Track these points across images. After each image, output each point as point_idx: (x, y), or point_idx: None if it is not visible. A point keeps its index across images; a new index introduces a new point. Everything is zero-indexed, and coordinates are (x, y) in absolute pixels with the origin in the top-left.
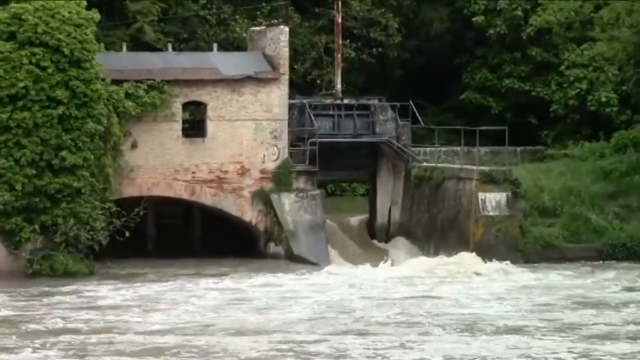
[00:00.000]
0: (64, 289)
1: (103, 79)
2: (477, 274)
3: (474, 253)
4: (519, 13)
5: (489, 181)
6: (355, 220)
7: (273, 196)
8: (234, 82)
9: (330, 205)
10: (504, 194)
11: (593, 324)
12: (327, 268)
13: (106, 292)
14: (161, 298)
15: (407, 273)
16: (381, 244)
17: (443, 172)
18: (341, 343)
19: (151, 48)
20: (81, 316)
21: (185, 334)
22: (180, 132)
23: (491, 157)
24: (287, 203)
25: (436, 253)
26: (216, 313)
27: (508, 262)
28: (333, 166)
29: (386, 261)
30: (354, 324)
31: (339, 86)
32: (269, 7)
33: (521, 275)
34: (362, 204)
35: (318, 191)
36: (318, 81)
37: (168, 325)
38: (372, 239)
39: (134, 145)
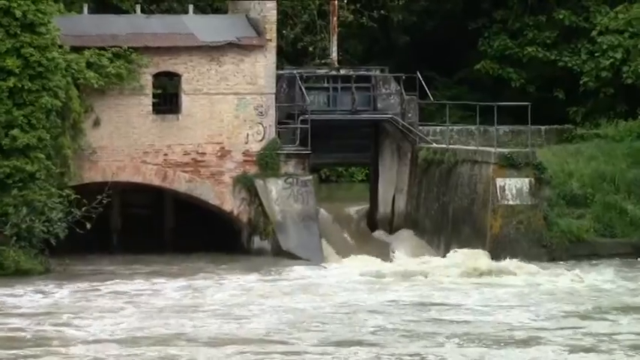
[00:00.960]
0: (14, 290)
1: (60, 46)
2: (494, 273)
3: (491, 249)
4: None
5: (509, 165)
6: (353, 210)
7: (258, 183)
8: (213, 50)
9: (325, 193)
10: (526, 180)
11: None
12: (320, 267)
13: (55, 292)
14: (105, 302)
15: (411, 270)
16: (384, 238)
17: (455, 154)
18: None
19: (116, 10)
20: (18, 323)
21: (120, 343)
22: (151, 108)
23: (512, 137)
24: (274, 190)
25: (447, 249)
26: (153, 321)
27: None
28: (328, 148)
29: (391, 259)
30: (332, 335)
31: (334, 55)
32: None
33: (555, 277)
34: (361, 191)
35: (310, 176)
36: (311, 49)
37: (105, 333)
38: (373, 232)
39: (97, 123)
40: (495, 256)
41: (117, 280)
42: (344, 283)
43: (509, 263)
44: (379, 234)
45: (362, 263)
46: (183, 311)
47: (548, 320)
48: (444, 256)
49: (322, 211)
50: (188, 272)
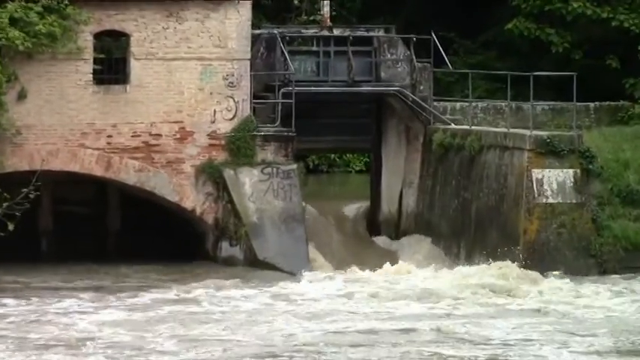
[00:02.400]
0: None
1: None
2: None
3: (525, 260)
4: None
5: (549, 152)
6: (350, 209)
7: (228, 173)
8: (171, 4)
9: (313, 187)
10: (570, 172)
11: None
12: (306, 281)
13: None
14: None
15: (425, 288)
16: (388, 245)
17: (480, 138)
18: None
19: None
20: None
21: None
22: (91, 76)
23: (552, 116)
24: (248, 183)
25: (469, 259)
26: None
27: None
28: (318, 129)
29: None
30: None
31: (326, 10)
32: None
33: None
34: (360, 185)
35: (294, 165)
36: (296, 2)
37: None
38: (375, 237)
39: (22, 96)
40: (530, 268)
41: (34, 299)
42: (337, 304)
43: (548, 279)
44: (382, 240)
45: (360, 277)
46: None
47: None
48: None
49: (310, 209)
50: (128, 289)
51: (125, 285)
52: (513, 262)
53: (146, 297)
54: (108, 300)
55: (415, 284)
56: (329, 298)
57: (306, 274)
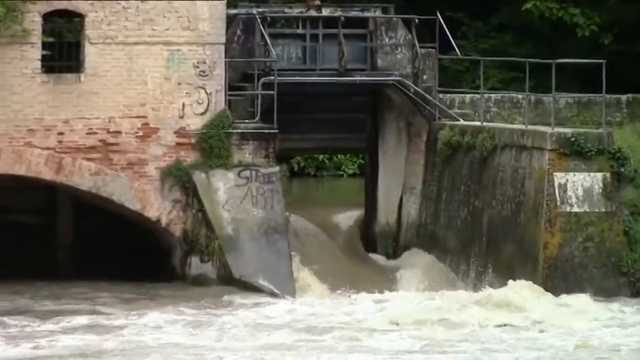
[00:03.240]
0: None
1: None
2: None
3: (545, 279)
4: None
5: (573, 152)
6: (341, 219)
7: (199, 177)
8: None
9: (299, 193)
10: (599, 176)
11: None
12: (291, 302)
13: None
14: None
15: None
16: (386, 261)
17: (493, 136)
18: None
19: None
20: None
21: None
22: (39, 64)
23: (578, 111)
24: (222, 189)
25: (480, 278)
26: None
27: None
28: (304, 126)
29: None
30: None
31: None
32: None
33: None
34: (353, 191)
35: (276, 168)
36: None
37: None
38: (371, 252)
39: None
40: (551, 288)
41: None
42: (327, 333)
43: (574, 300)
44: (379, 256)
45: (354, 298)
46: None
47: None
48: (474, 290)
49: (295, 219)
50: (53, 314)
51: (56, 308)
52: (532, 281)
53: (61, 324)
54: (8, 326)
55: (406, 310)
56: (303, 331)
57: (288, 297)
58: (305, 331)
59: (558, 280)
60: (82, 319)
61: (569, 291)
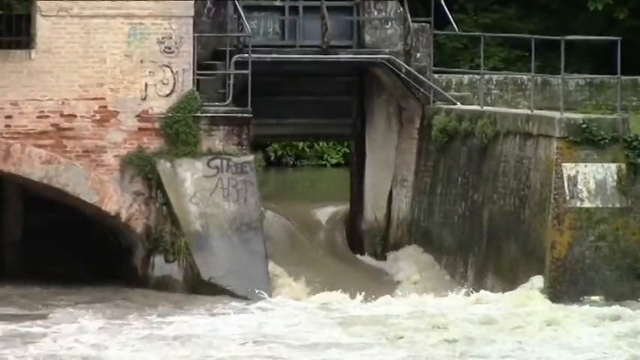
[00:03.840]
0: None
1: None
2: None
3: (552, 282)
4: None
5: (585, 140)
6: (323, 214)
7: (163, 166)
8: None
9: (276, 185)
10: (613, 167)
11: None
12: (265, 307)
13: None
14: None
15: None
16: (374, 262)
17: (495, 122)
18: None
19: None
20: None
21: None
22: None
23: (590, 94)
24: (189, 180)
25: (479, 281)
26: None
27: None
28: (282, 110)
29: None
30: None
31: None
32: None
33: None
34: (336, 183)
35: (250, 157)
36: None
37: None
38: (357, 253)
39: None
40: (558, 294)
41: None
42: (309, 346)
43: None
44: (365, 258)
45: (341, 304)
46: None
47: None
48: (469, 292)
49: (270, 214)
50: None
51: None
52: (537, 285)
53: None
54: None
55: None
56: (258, 343)
57: (260, 301)
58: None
59: (567, 284)
60: (9, 326)
61: (579, 295)
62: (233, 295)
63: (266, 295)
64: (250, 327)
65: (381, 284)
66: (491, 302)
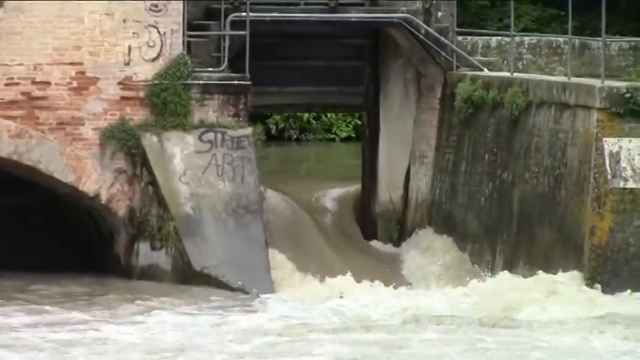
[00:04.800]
0: None
1: None
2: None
3: (592, 272)
4: None
5: (629, 112)
6: (332, 195)
7: (150, 141)
8: None
9: (277, 162)
10: None
11: None
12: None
13: None
14: None
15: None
16: (389, 250)
17: (527, 91)
18: None
19: None
20: None
21: None
22: None
23: (635, 59)
24: (179, 156)
25: (509, 270)
26: None
27: None
28: (284, 77)
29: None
30: None
31: None
32: None
33: None
34: (347, 160)
35: (249, 130)
36: None
37: None
38: (370, 239)
39: None
40: (600, 283)
41: None
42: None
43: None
44: (379, 245)
45: (356, 295)
46: None
47: None
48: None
49: (272, 195)
50: None
51: None
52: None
53: None
54: None
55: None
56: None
57: (260, 297)
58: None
59: (608, 275)
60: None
61: (621, 288)
62: (228, 287)
63: (267, 288)
64: (245, 329)
65: (397, 273)
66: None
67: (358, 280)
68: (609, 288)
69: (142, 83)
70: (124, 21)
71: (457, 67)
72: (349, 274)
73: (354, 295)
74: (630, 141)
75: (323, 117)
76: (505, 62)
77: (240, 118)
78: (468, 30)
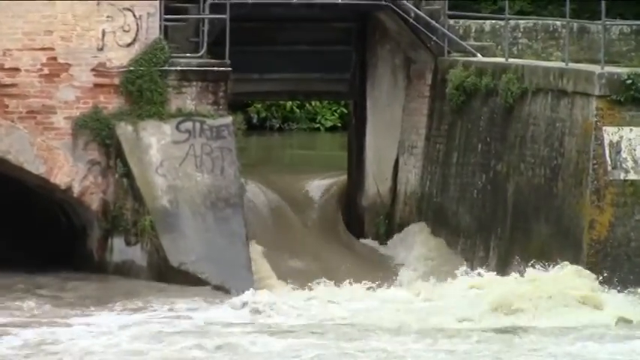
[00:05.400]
0: None
1: None
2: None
3: (592, 267)
4: None
5: (629, 99)
6: (316, 187)
7: (124, 130)
8: None
9: (259, 153)
10: None
11: None
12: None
13: None
14: None
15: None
16: (377, 246)
17: (522, 77)
18: None
19: None
20: None
21: None
22: None
23: (636, 44)
24: (155, 146)
25: (503, 267)
26: None
27: None
28: (266, 63)
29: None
30: None
31: None
32: None
33: None
34: (332, 150)
35: (229, 119)
36: None
37: None
38: (356, 234)
39: None
40: (600, 281)
41: None
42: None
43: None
44: (366, 241)
45: (340, 295)
46: None
47: None
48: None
49: (253, 188)
50: None
51: None
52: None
53: None
54: None
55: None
56: None
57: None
58: None
59: (608, 271)
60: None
61: (622, 284)
62: (207, 284)
63: (247, 285)
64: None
65: (384, 272)
66: None
67: (340, 280)
68: (609, 285)
69: (116, 70)
70: (98, 4)
71: (449, 53)
72: (327, 274)
73: (329, 297)
74: (631, 130)
75: (307, 105)
76: (499, 47)
77: (220, 107)
78: (460, 13)
